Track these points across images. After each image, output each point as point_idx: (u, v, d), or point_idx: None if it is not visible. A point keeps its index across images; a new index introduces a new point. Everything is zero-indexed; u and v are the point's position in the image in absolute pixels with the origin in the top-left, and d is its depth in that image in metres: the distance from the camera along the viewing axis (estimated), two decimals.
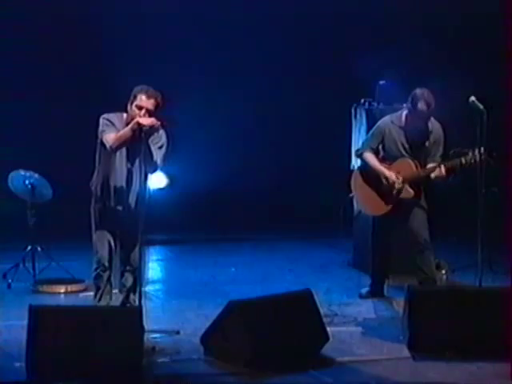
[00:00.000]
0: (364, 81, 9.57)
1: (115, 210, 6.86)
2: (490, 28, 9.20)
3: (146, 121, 6.51)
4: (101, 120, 6.81)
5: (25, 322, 5.87)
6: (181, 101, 10.36)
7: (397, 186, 7.64)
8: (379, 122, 7.93)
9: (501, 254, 7.75)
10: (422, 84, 7.61)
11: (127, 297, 6.95)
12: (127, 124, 6.68)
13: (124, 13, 10.87)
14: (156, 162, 6.70)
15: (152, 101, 6.64)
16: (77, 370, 5.67)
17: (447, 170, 7.41)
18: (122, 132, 6.65)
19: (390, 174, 7.69)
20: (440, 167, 7.45)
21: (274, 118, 11.71)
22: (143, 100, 6.64)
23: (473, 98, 6.92)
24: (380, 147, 7.85)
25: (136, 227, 6.36)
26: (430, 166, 7.58)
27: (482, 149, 6.93)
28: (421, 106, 7.48)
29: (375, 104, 9.27)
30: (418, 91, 7.52)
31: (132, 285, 6.87)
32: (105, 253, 6.86)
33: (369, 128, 8.62)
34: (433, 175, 7.48)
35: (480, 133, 6.80)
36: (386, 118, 7.89)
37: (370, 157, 7.84)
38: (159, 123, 6.60)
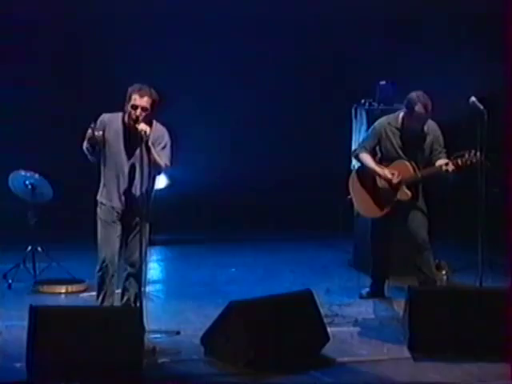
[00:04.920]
0: (364, 81, 9.56)
1: (119, 210, 6.85)
2: (491, 28, 9.20)
3: (146, 128, 6.52)
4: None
5: (25, 323, 5.89)
6: (181, 101, 10.37)
7: (394, 180, 7.62)
8: (375, 124, 7.92)
9: (501, 254, 7.75)
10: (422, 84, 7.61)
11: (128, 299, 6.92)
12: (124, 123, 6.73)
13: (124, 12, 10.86)
14: (160, 165, 6.70)
15: (146, 98, 6.65)
16: (77, 370, 5.68)
17: (457, 167, 7.32)
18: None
19: (384, 172, 7.67)
20: (449, 163, 7.35)
21: (275, 118, 11.69)
22: (137, 99, 6.65)
23: (473, 99, 6.92)
24: (377, 148, 7.85)
25: (140, 228, 6.36)
26: (438, 162, 7.51)
27: (478, 152, 6.93)
28: (418, 108, 7.45)
29: (375, 104, 9.26)
30: (413, 94, 7.50)
31: (135, 291, 6.76)
32: (109, 253, 6.82)
33: (369, 128, 8.61)
34: (449, 169, 7.33)
35: (480, 133, 6.80)
36: (383, 119, 7.88)
37: (365, 157, 7.83)
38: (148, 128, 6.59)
